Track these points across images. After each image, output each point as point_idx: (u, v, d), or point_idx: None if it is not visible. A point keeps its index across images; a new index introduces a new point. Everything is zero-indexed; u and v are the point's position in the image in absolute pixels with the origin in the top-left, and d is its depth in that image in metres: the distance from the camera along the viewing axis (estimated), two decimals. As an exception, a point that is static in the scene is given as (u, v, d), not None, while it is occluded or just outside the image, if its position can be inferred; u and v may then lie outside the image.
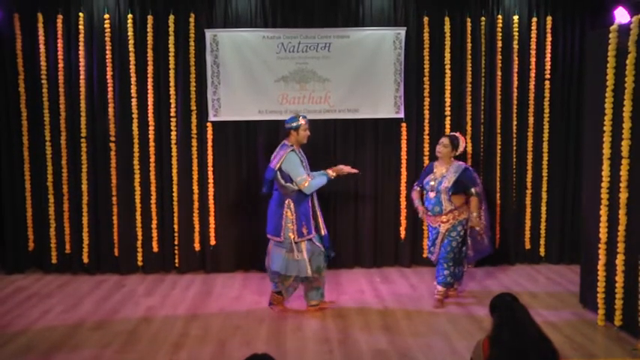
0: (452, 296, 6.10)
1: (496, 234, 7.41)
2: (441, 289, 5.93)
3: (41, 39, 7.01)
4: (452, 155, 5.93)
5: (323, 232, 5.74)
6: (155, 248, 7.20)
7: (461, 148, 5.98)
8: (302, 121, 5.62)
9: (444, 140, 5.94)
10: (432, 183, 5.88)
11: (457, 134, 6.11)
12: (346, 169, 5.80)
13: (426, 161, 7.30)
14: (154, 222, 7.18)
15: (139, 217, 7.15)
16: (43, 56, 7.02)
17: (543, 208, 7.48)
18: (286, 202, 5.55)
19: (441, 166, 5.92)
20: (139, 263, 7.20)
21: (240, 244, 7.30)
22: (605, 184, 5.31)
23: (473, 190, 5.80)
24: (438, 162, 5.97)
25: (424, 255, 7.37)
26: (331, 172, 5.73)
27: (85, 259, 7.18)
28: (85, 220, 7.16)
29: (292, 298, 5.90)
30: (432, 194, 5.86)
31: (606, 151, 5.28)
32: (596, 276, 5.42)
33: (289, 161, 5.52)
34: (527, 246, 7.53)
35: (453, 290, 6.14)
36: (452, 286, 6.05)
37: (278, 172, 5.55)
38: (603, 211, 5.32)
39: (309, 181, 5.53)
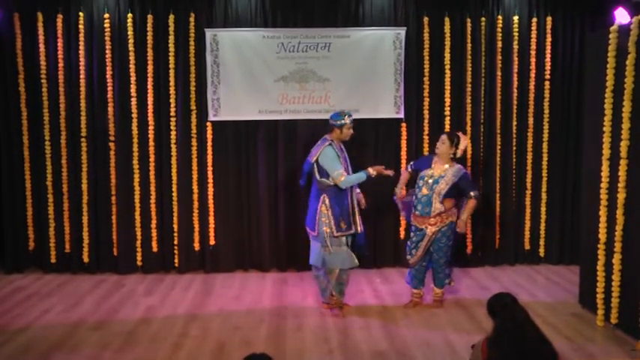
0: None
1: (496, 234, 7.42)
2: (439, 291, 5.92)
3: (41, 38, 7.01)
4: (450, 153, 5.69)
5: (359, 229, 5.67)
6: (155, 248, 7.20)
7: (461, 147, 5.75)
8: (347, 120, 5.57)
9: (443, 137, 5.77)
10: (428, 180, 5.68)
11: (459, 133, 5.96)
12: (385, 172, 5.69)
13: (426, 161, 7.30)
14: (154, 222, 7.18)
15: (138, 217, 7.15)
16: (43, 55, 7.02)
17: (543, 209, 7.48)
18: (322, 196, 5.53)
19: (440, 164, 5.71)
20: (139, 263, 7.20)
21: (240, 243, 7.30)
22: (604, 185, 5.31)
23: (472, 193, 5.66)
24: (438, 158, 5.76)
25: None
26: (372, 171, 5.58)
27: (85, 259, 7.19)
28: (84, 220, 7.16)
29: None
30: (424, 191, 5.68)
31: (606, 151, 5.28)
32: (595, 276, 5.42)
33: (325, 155, 5.50)
34: (527, 246, 7.53)
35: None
36: (449, 284, 5.97)
37: (315, 165, 5.54)
38: (602, 212, 5.32)
39: (346, 175, 5.48)
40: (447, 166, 5.70)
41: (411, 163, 6.06)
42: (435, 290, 5.94)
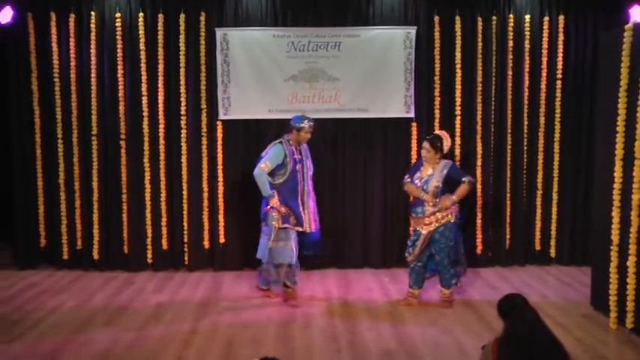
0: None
1: (506, 234, 7.38)
2: (447, 292, 5.88)
3: (54, 37, 7.07)
4: (437, 157, 5.74)
5: (313, 228, 5.90)
6: (165, 246, 7.23)
7: (445, 148, 5.76)
8: (306, 124, 5.82)
9: (426, 144, 5.75)
10: (418, 182, 5.74)
11: (440, 133, 5.91)
12: (276, 206, 5.72)
13: (436, 161, 7.28)
14: (164, 219, 7.21)
15: (148, 215, 7.18)
16: (56, 54, 7.08)
17: (554, 209, 7.43)
18: (273, 191, 5.77)
19: (428, 166, 5.76)
20: (149, 260, 7.24)
21: (250, 242, 7.26)
22: (617, 186, 5.25)
23: (464, 179, 5.66)
24: (426, 163, 5.80)
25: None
26: (274, 201, 5.71)
27: (96, 256, 7.23)
28: (95, 217, 7.21)
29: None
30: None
31: (619, 151, 5.23)
32: (607, 278, 5.36)
33: (269, 151, 5.83)
34: (538, 247, 7.48)
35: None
36: (456, 284, 5.96)
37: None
38: (615, 213, 5.27)
39: (264, 172, 5.71)
40: (434, 165, 5.75)
41: (406, 175, 5.96)
42: (442, 291, 5.91)
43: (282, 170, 5.79)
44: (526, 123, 7.34)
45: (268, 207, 5.77)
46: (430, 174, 5.72)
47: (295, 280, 5.97)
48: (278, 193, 5.76)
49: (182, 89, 7.11)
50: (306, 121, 5.83)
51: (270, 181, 5.77)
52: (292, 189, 5.81)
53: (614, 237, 5.27)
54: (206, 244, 7.26)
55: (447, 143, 5.79)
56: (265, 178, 5.74)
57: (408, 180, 5.87)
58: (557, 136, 7.36)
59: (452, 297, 5.94)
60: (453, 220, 5.70)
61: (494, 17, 7.19)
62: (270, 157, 5.77)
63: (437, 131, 6.08)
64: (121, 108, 7.11)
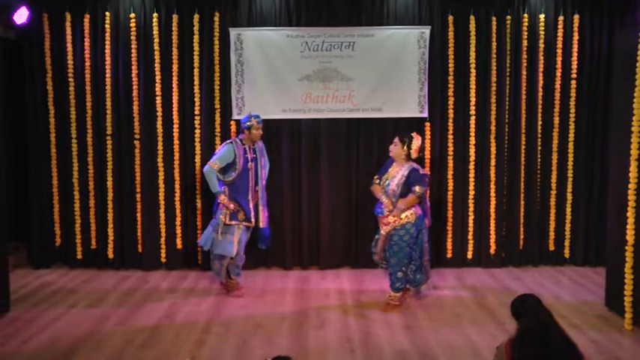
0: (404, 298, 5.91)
1: (520, 234, 7.34)
2: (394, 295, 5.79)
3: (69, 38, 7.13)
4: (404, 155, 5.73)
5: (261, 224, 6.18)
6: (179, 245, 7.27)
7: (414, 147, 5.72)
8: (254, 122, 6.03)
9: (395, 139, 5.80)
10: (383, 183, 5.76)
11: (413, 134, 5.85)
12: (229, 207, 5.97)
13: (450, 161, 7.27)
14: (178, 219, 7.25)
15: (162, 215, 7.22)
16: (71, 55, 7.14)
17: (568, 209, 7.38)
18: (223, 187, 6.02)
19: (396, 166, 5.76)
20: (163, 260, 7.28)
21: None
22: (632, 186, 5.21)
23: (414, 188, 5.59)
24: (395, 162, 5.81)
25: (448, 255, 7.35)
26: (223, 197, 5.95)
27: (110, 255, 7.28)
28: (110, 217, 7.26)
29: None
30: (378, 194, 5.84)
31: (634, 152, 5.19)
32: (622, 279, 5.33)
33: (220, 150, 6.06)
34: (552, 247, 7.44)
35: (409, 291, 5.97)
36: (406, 289, 5.87)
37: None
38: (630, 213, 5.23)
39: (214, 170, 5.93)
40: (401, 166, 5.74)
41: (376, 176, 5.96)
42: (389, 293, 5.82)
43: (233, 169, 5.99)
44: (540, 123, 7.29)
45: (219, 203, 6.00)
46: (394, 175, 5.74)
47: (239, 272, 6.23)
48: (229, 190, 6.00)
49: (196, 89, 7.14)
50: (253, 119, 6.04)
51: (221, 178, 6.00)
52: (242, 186, 6.04)
53: (629, 237, 5.23)
54: (219, 243, 7.28)
55: (416, 143, 5.75)
56: (214, 175, 5.97)
57: (377, 181, 5.89)
58: (571, 136, 7.31)
59: (398, 302, 5.80)
60: (413, 222, 5.65)
61: (508, 17, 7.15)
62: (219, 157, 5.99)
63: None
64: (135, 108, 7.15)
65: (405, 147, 5.72)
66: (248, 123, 6.03)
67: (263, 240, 6.31)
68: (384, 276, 6.02)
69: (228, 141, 6.18)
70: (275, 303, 6.04)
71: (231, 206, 5.96)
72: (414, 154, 5.76)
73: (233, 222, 6.00)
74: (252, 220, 6.09)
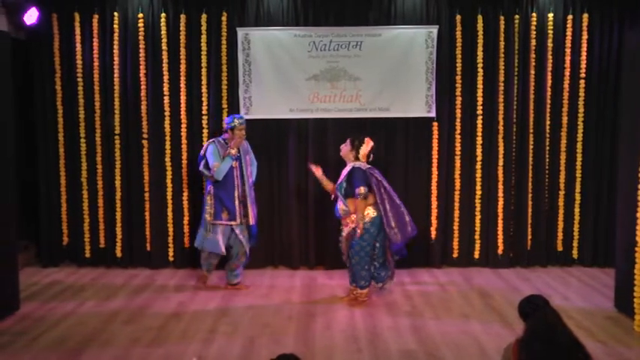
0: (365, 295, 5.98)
1: (528, 235, 7.31)
2: (360, 292, 5.91)
3: (77, 38, 7.16)
4: (352, 156, 5.85)
5: (251, 221, 6.26)
6: (186, 244, 7.29)
7: (362, 151, 5.82)
8: (236, 122, 6.15)
9: (348, 140, 5.93)
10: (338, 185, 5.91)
11: (366, 139, 5.91)
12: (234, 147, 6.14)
13: (458, 161, 7.25)
14: (186, 218, 7.27)
15: (170, 214, 7.25)
16: (79, 55, 7.17)
17: (576, 210, 7.34)
18: (208, 187, 6.23)
19: (347, 166, 5.91)
20: (170, 258, 7.31)
21: (270, 240, 7.35)
22: (641, 186, 5.18)
23: (356, 190, 5.69)
24: (347, 163, 5.96)
25: (454, 255, 7.33)
26: (233, 151, 6.13)
27: (118, 254, 7.31)
28: (118, 216, 7.29)
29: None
30: (332, 196, 5.98)
31: (644, 152, 5.16)
32: (632, 280, 5.29)
33: (207, 151, 6.19)
34: (560, 248, 7.40)
35: (375, 287, 6.08)
36: (368, 286, 5.96)
37: (203, 158, 6.23)
38: (640, 214, 5.20)
39: (219, 167, 6.08)
40: (347, 165, 5.87)
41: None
42: (355, 288, 5.94)
43: None
44: (548, 123, 7.26)
45: (233, 150, 6.13)
46: (340, 175, 5.90)
47: (211, 269, 6.43)
48: (214, 189, 6.17)
49: (204, 89, 7.16)
50: (236, 120, 6.16)
51: (208, 176, 6.17)
52: (227, 185, 6.14)
53: (639, 238, 5.20)
54: (227, 242, 7.30)
55: (364, 148, 5.85)
56: (220, 167, 6.07)
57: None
58: (579, 136, 7.27)
59: (366, 297, 5.92)
60: (372, 221, 5.72)
61: (516, 16, 7.12)
62: (210, 156, 6.12)
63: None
64: (143, 108, 7.18)
65: (354, 150, 5.85)
66: (231, 124, 6.15)
67: (251, 238, 6.37)
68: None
69: (210, 140, 6.33)
70: (282, 302, 6.05)
71: (213, 208, 6.16)
72: (361, 158, 5.86)
73: (217, 221, 6.15)
74: (238, 219, 6.18)
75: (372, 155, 5.93)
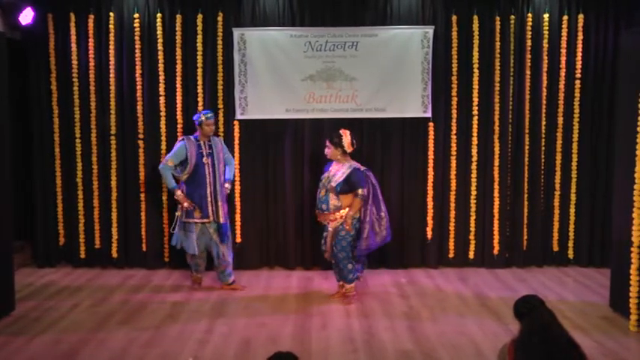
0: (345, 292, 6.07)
1: (523, 235, 7.32)
2: (349, 287, 6.01)
3: (73, 38, 7.14)
4: (339, 154, 5.93)
5: (221, 220, 6.25)
6: (182, 244, 7.27)
7: (345, 143, 5.88)
8: (203, 118, 6.21)
9: (327, 142, 5.99)
10: (325, 181, 5.96)
11: (341, 130, 6.00)
12: (184, 205, 6.17)
13: (453, 161, 7.26)
14: (182, 219, 7.25)
15: (166, 214, 7.23)
16: (75, 55, 7.15)
17: (572, 210, 7.36)
18: (182, 186, 6.25)
19: (336, 165, 5.96)
20: (166, 259, 7.29)
21: (266, 241, 7.34)
22: (637, 186, 5.19)
23: (358, 191, 5.80)
24: (334, 162, 6.01)
25: (450, 255, 7.34)
26: (179, 193, 6.17)
27: (114, 254, 7.30)
28: (114, 216, 7.27)
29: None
30: (322, 192, 5.96)
31: None
32: (628, 280, 5.30)
33: (174, 147, 6.28)
34: (556, 248, 7.41)
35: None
36: (357, 278, 6.12)
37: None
38: (636, 214, 5.20)
39: (168, 167, 6.14)
40: (342, 164, 5.93)
41: (322, 176, 6.15)
42: (344, 285, 6.04)
43: (186, 165, 6.15)
44: (544, 123, 7.27)
45: (178, 195, 6.17)
46: (334, 174, 5.92)
47: (200, 270, 6.47)
48: (186, 187, 6.22)
49: (199, 89, 7.15)
50: (202, 115, 6.23)
51: (177, 175, 6.18)
52: (198, 182, 6.18)
53: (635, 238, 5.21)
54: (223, 243, 7.28)
55: (346, 140, 5.91)
56: (169, 172, 6.16)
57: (320, 183, 6.08)
58: (575, 136, 7.28)
59: (353, 292, 6.03)
60: (357, 216, 5.88)
61: (512, 16, 7.13)
62: (173, 155, 6.19)
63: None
64: (139, 108, 7.16)
65: (338, 147, 5.91)
66: (199, 119, 6.22)
67: (221, 236, 6.32)
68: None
69: (181, 138, 6.37)
70: (278, 303, 6.05)
71: (185, 204, 6.12)
72: (348, 149, 5.93)
73: (189, 220, 6.19)
74: (211, 216, 6.20)
75: (354, 142, 5.99)
